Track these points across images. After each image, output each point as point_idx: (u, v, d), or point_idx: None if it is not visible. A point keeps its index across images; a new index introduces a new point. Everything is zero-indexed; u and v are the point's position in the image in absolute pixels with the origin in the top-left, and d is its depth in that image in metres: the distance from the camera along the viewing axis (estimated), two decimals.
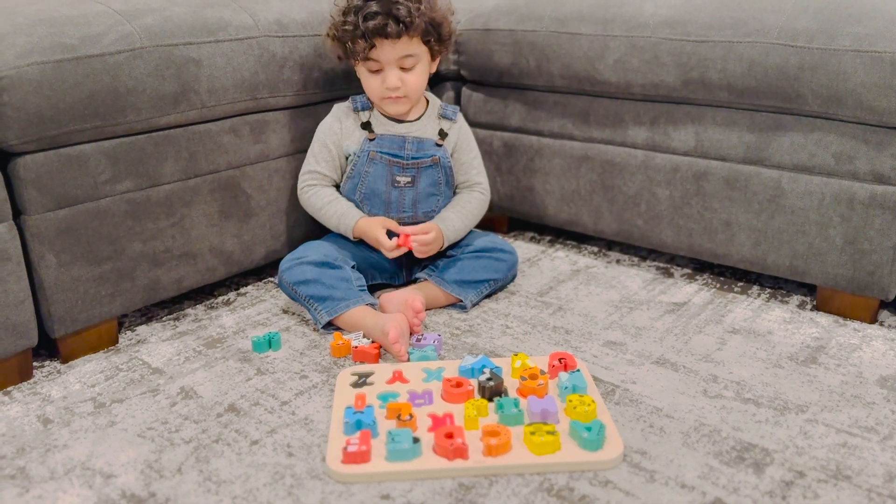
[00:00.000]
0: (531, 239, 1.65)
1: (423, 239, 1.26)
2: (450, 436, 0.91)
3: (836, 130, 1.18)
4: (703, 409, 1.01)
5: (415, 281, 1.35)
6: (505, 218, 1.69)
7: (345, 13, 1.24)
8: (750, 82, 1.21)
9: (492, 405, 0.99)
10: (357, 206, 1.33)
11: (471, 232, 1.39)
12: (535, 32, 1.45)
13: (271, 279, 1.46)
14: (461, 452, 0.89)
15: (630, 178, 1.41)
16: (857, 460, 0.90)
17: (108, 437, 0.97)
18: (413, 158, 1.31)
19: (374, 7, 1.20)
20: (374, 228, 1.28)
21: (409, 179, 1.31)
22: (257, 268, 1.47)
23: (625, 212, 1.44)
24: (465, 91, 1.65)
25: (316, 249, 1.29)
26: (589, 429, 0.90)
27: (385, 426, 0.95)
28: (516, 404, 0.97)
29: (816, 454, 0.91)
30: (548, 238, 1.65)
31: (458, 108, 1.39)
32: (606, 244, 1.60)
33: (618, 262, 1.51)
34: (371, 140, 1.31)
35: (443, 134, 1.35)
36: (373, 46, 1.22)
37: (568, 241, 1.63)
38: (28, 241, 1.07)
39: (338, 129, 1.33)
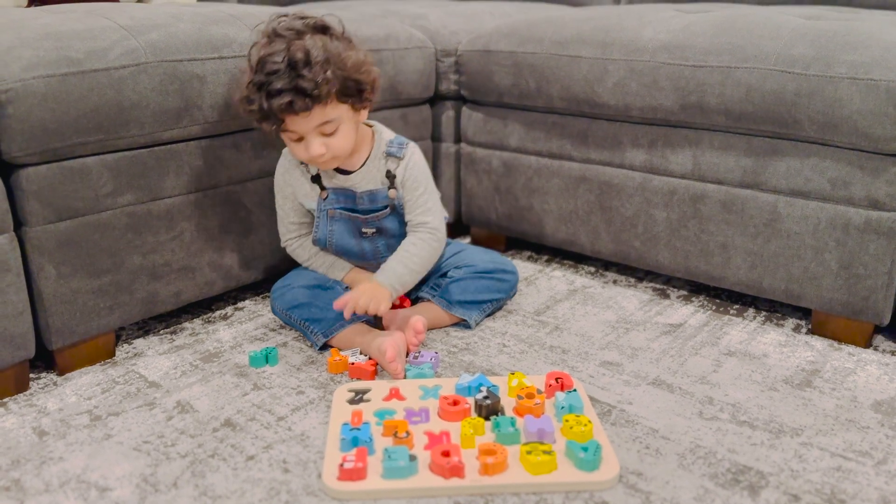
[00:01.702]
0: (528, 258, 1.66)
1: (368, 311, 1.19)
2: (446, 454, 0.91)
3: (831, 156, 1.19)
4: (698, 430, 1.01)
5: (417, 300, 1.35)
6: (503, 237, 1.70)
7: (248, 88, 1.11)
8: (747, 107, 1.23)
9: (488, 424, 0.99)
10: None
11: (472, 250, 1.39)
12: (535, 54, 1.47)
13: (269, 294, 1.46)
14: (457, 471, 0.89)
15: (628, 199, 1.42)
16: (852, 484, 0.90)
17: (103, 451, 0.97)
18: (370, 212, 1.25)
19: (277, 83, 1.07)
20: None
21: (374, 230, 1.27)
22: (255, 283, 1.47)
23: (622, 233, 1.45)
24: (464, 111, 1.66)
25: (306, 274, 1.30)
26: (585, 449, 0.91)
27: (382, 443, 0.95)
28: (513, 423, 0.97)
29: (811, 478, 0.91)
30: (545, 257, 1.66)
31: (406, 142, 1.27)
32: (603, 264, 1.61)
33: (615, 282, 1.52)
34: (325, 199, 1.25)
35: (390, 176, 1.24)
36: (283, 121, 1.12)
37: (565, 261, 1.63)
38: (28, 252, 1.07)
39: (290, 182, 1.27)
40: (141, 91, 1.11)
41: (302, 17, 1.14)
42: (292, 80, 1.08)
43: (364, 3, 2.04)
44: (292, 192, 1.28)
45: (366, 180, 1.25)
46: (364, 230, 1.27)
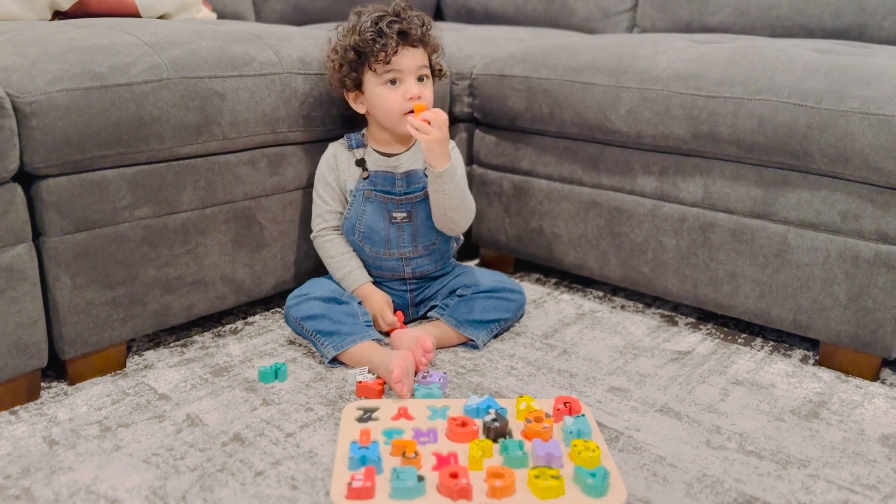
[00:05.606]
0: (537, 280, 1.67)
1: (433, 118, 1.21)
2: (454, 475, 0.91)
3: (842, 189, 1.20)
4: (706, 459, 1.01)
5: (426, 319, 1.36)
6: (511, 258, 1.71)
7: (362, 27, 1.25)
8: (759, 138, 1.24)
9: (496, 446, 0.99)
10: (357, 247, 1.35)
11: (478, 271, 1.41)
12: (549, 80, 1.48)
13: (279, 309, 1.47)
14: (465, 493, 0.89)
15: (637, 225, 1.43)
16: None
17: (113, 462, 0.97)
18: (405, 193, 1.32)
19: (392, 17, 1.26)
20: (378, 302, 1.32)
21: (405, 215, 1.32)
22: (266, 298, 1.48)
23: (631, 258, 1.46)
24: (477, 133, 1.68)
25: (323, 285, 1.31)
26: (593, 475, 0.91)
27: (390, 463, 0.96)
28: (521, 447, 0.97)
29: None
30: (553, 280, 1.67)
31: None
32: (611, 289, 1.62)
33: (622, 307, 1.52)
34: (365, 178, 1.32)
35: None
36: (395, 52, 1.25)
37: (573, 285, 1.64)
38: (45, 262, 1.08)
39: (334, 166, 1.35)
40: (162, 106, 1.13)
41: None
42: (402, 20, 1.25)
43: None
44: (336, 175, 1.34)
45: (410, 161, 1.34)
46: (394, 214, 1.32)
